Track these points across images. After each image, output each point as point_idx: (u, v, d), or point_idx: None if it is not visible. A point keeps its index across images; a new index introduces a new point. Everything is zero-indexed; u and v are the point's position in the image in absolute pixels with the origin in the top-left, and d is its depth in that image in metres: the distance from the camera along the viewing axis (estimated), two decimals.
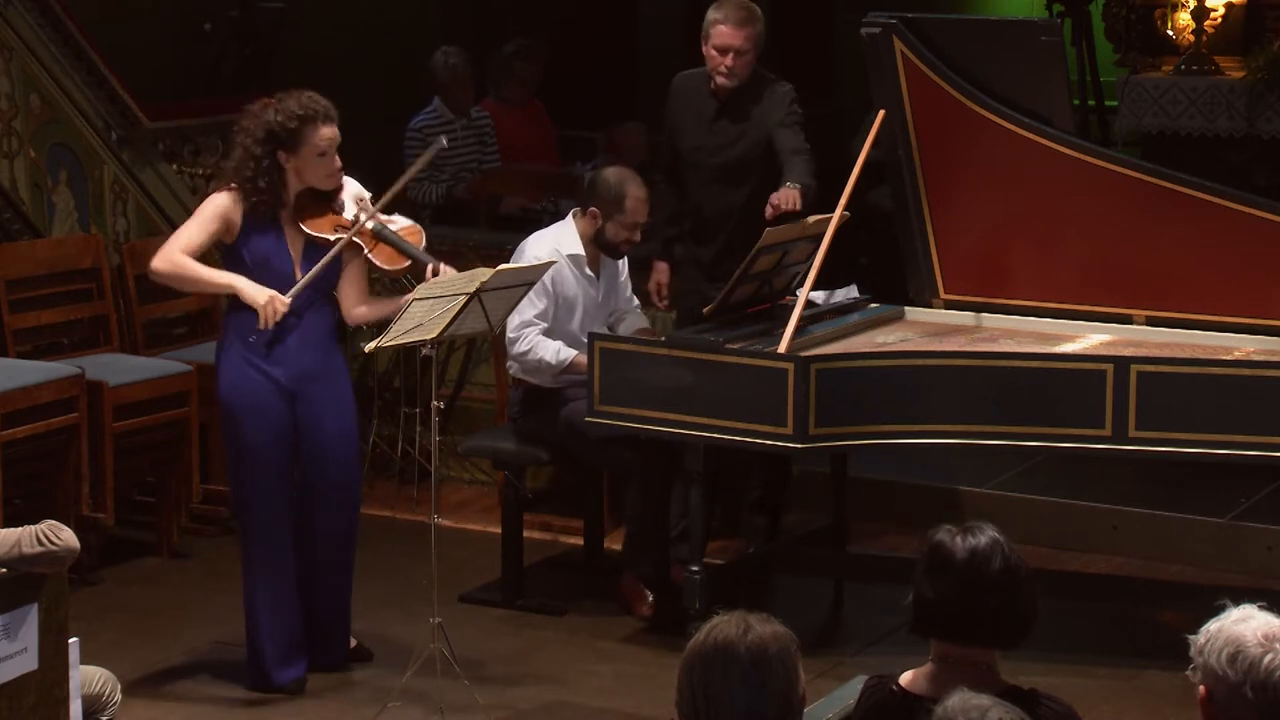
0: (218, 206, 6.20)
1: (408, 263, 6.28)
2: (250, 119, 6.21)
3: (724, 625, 3.26)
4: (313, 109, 6.14)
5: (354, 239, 6.19)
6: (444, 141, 6.83)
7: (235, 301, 6.26)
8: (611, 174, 7.05)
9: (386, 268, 6.30)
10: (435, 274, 6.17)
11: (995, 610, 3.60)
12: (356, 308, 6.37)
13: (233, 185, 6.20)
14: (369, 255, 6.25)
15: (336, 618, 6.49)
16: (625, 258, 7.20)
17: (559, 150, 9.85)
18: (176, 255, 6.18)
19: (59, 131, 8.18)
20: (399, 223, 6.35)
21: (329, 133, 6.15)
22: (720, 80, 7.09)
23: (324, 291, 6.29)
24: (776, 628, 3.28)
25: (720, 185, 7.16)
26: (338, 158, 6.20)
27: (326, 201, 6.25)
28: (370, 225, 6.21)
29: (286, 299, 6.12)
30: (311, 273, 6.16)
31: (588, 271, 7.04)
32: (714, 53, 7.05)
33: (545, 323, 6.91)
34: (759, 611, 3.32)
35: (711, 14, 7.07)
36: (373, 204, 6.28)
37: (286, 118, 6.12)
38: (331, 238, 6.19)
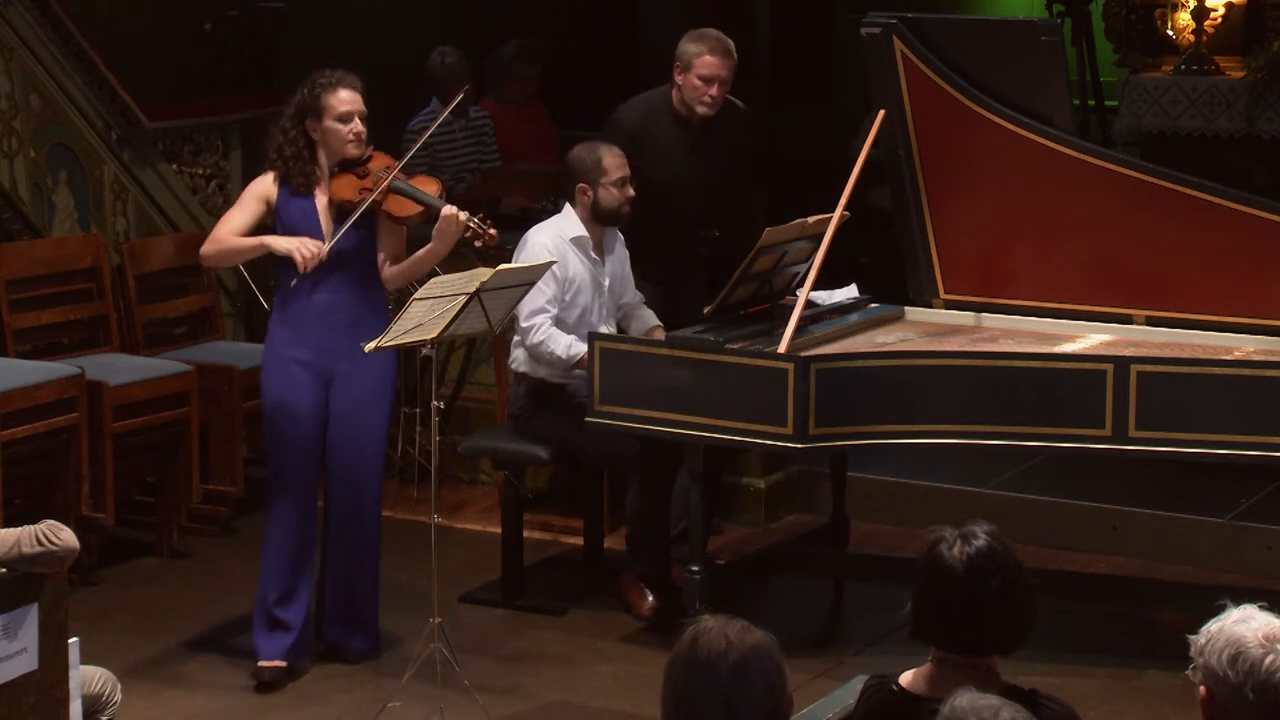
0: (256, 188, 6.46)
1: (419, 209, 6.39)
2: (286, 105, 6.49)
3: (704, 640, 3.20)
4: (333, 76, 6.40)
5: (376, 198, 6.34)
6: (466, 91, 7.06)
7: (277, 291, 6.45)
8: (579, 149, 7.11)
9: (397, 214, 6.40)
10: (449, 219, 6.30)
11: (994, 622, 3.60)
12: (388, 269, 6.47)
13: (269, 168, 6.45)
14: (384, 208, 6.38)
15: (364, 599, 6.58)
16: (627, 252, 7.20)
17: (559, 150, 9.85)
18: (220, 235, 6.43)
19: (59, 131, 8.17)
20: (419, 182, 6.50)
21: (347, 95, 6.37)
22: (702, 110, 7.18)
23: (362, 270, 6.40)
24: (756, 638, 3.21)
25: (698, 212, 7.19)
26: (359, 123, 6.38)
27: (354, 170, 6.42)
28: (389, 182, 6.36)
29: (322, 243, 6.30)
30: (349, 221, 6.31)
31: (592, 255, 7.06)
32: (698, 82, 7.14)
33: (556, 309, 6.92)
34: (740, 619, 3.24)
35: (692, 46, 7.16)
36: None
37: (310, 88, 6.38)
38: (356, 200, 6.36)
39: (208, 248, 6.51)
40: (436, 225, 6.34)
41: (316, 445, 6.44)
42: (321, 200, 6.40)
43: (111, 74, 8.34)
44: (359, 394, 6.42)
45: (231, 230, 6.40)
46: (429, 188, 6.48)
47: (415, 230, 6.61)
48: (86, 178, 8.27)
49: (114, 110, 8.37)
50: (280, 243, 6.33)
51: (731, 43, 7.19)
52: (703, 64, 7.11)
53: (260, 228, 6.42)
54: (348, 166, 6.42)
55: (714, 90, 7.13)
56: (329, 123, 6.36)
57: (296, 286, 6.34)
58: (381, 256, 6.46)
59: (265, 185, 6.43)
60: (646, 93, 7.42)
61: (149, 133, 8.53)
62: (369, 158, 6.43)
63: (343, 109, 6.35)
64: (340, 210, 6.39)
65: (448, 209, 6.33)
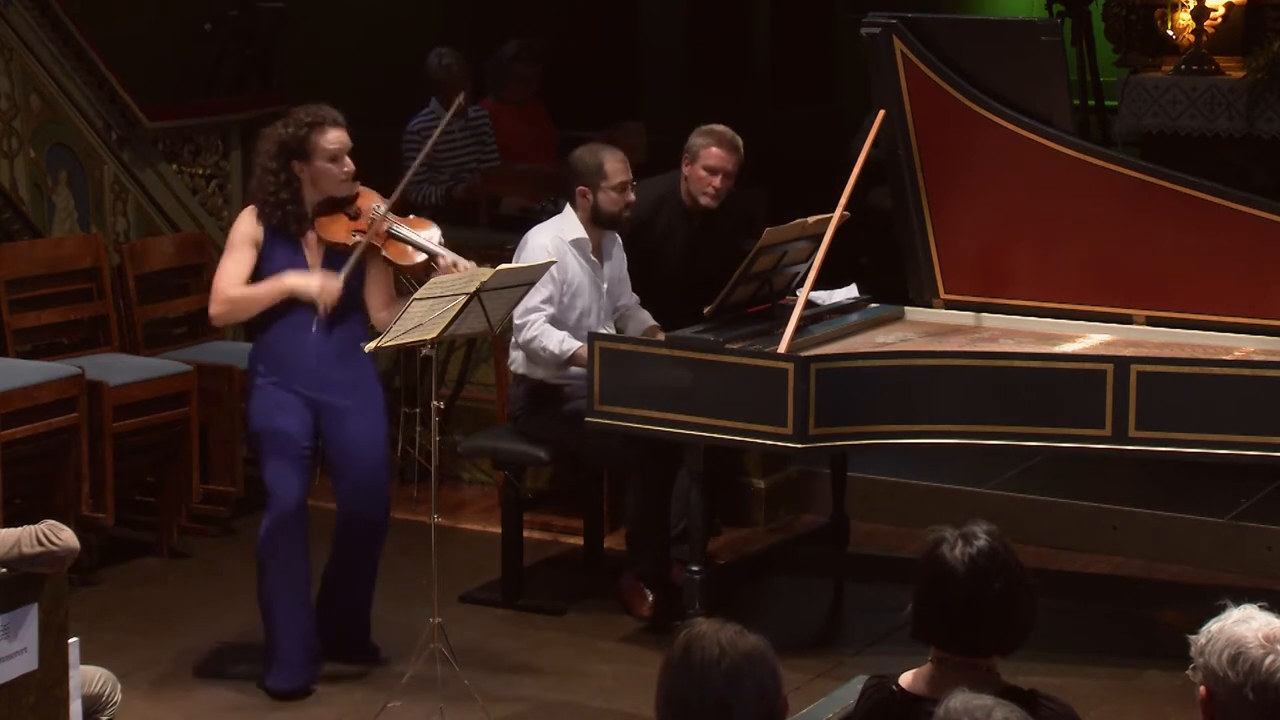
0: (243, 231, 6.30)
1: (423, 257, 6.32)
2: (264, 140, 6.33)
3: (697, 647, 3.18)
4: (319, 115, 6.24)
5: (371, 240, 6.25)
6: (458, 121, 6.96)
7: (258, 329, 6.36)
8: (581, 151, 7.14)
9: (400, 263, 6.34)
10: (455, 267, 6.22)
11: (995, 622, 3.60)
12: (380, 312, 6.40)
13: (252, 205, 6.30)
14: (384, 254, 6.31)
15: (357, 619, 6.56)
16: (625, 255, 7.21)
17: (559, 150, 9.85)
18: (227, 292, 6.26)
19: (59, 131, 8.17)
20: (416, 226, 6.41)
21: (336, 135, 6.24)
22: (705, 201, 7.28)
23: (351, 302, 6.33)
24: (749, 644, 3.19)
25: (692, 296, 7.24)
26: (349, 162, 6.28)
27: (342, 209, 6.33)
28: (385, 225, 6.27)
29: (338, 280, 6.21)
30: (350, 261, 6.21)
31: (591, 257, 7.07)
32: (703, 173, 7.25)
33: (551, 308, 6.93)
34: (733, 623, 3.22)
35: (700, 139, 7.27)
36: (384, 203, 6.36)
37: (296, 127, 6.23)
38: (349, 242, 6.26)
39: (218, 308, 6.32)
40: (436, 275, 6.19)
41: (308, 465, 6.35)
42: (309, 239, 6.30)
43: (111, 74, 8.34)
44: (356, 423, 6.33)
45: (234, 282, 6.24)
46: (422, 229, 6.37)
47: None
48: (86, 178, 8.27)
49: (114, 110, 8.37)
50: (303, 285, 6.21)
51: (740, 140, 7.29)
52: (709, 155, 7.23)
53: (254, 271, 6.28)
54: (335, 203, 6.31)
55: (717, 181, 7.24)
56: (320, 164, 6.22)
57: (282, 323, 6.25)
58: (378, 302, 6.36)
59: (250, 227, 6.27)
60: (655, 178, 7.50)
61: (149, 133, 8.53)
62: (356, 194, 6.33)
63: (333, 149, 6.21)
64: (330, 250, 6.28)
65: (444, 259, 6.24)
